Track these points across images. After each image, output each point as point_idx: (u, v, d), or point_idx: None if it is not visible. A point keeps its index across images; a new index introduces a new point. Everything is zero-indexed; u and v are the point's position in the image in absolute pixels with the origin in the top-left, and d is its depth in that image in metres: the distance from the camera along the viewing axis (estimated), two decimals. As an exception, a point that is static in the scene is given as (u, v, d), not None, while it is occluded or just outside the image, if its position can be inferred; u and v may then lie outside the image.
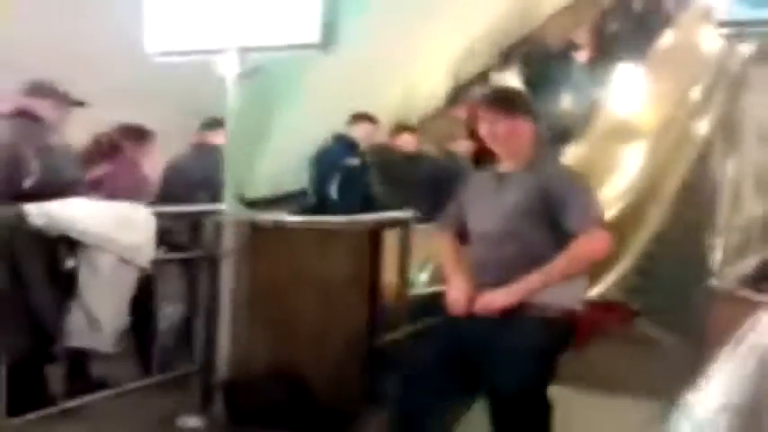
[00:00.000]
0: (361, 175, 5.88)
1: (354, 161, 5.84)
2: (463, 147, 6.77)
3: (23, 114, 3.65)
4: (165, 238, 3.89)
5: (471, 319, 2.77)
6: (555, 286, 2.69)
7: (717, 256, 2.99)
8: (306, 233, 4.08)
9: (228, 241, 3.92)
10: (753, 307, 1.73)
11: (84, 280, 3.42)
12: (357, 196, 5.65)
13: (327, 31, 3.59)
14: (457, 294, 2.85)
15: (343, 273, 3.99)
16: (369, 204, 5.45)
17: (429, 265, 5.28)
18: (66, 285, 3.39)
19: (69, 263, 3.39)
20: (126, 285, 3.63)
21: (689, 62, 7.10)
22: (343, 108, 6.65)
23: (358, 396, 4.04)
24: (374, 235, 4.23)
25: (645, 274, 7.10)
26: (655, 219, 7.37)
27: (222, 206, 3.99)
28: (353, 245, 4.09)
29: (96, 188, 4.06)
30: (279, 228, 4.09)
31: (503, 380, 2.66)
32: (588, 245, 2.69)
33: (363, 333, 4.11)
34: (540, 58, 8.71)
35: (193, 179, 4.80)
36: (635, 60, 7.84)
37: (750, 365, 1.16)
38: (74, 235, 3.37)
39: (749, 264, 3.14)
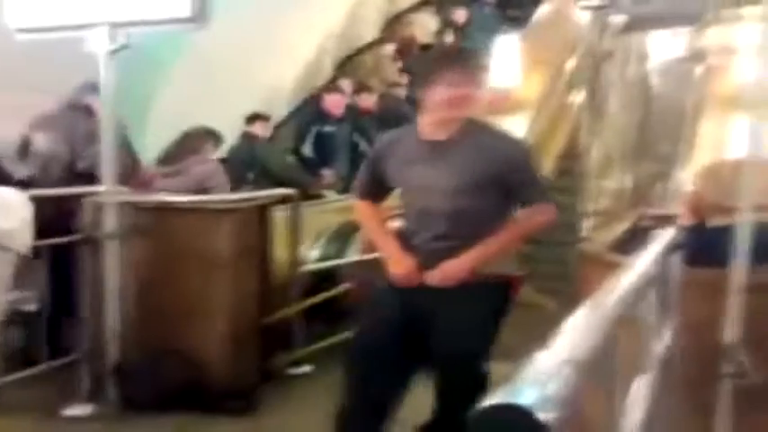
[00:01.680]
0: (341, 139, 6.74)
1: (328, 128, 6.69)
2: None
3: (78, 108, 4.33)
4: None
5: (417, 289, 2.69)
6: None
7: (589, 222, 3.12)
8: (192, 212, 4.00)
9: (110, 223, 3.80)
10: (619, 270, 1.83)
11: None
12: (339, 157, 6.66)
13: (199, 5, 3.52)
14: (404, 268, 2.73)
15: (232, 251, 3.94)
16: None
17: (321, 241, 5.28)
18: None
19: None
20: (3, 272, 3.48)
21: (564, 34, 7.33)
22: (225, 83, 6.58)
23: (252, 373, 4.02)
24: (262, 212, 4.20)
25: (532, 241, 7.36)
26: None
27: (101, 188, 3.86)
28: (241, 222, 4.05)
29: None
30: (163, 208, 4.00)
31: (454, 346, 2.64)
32: (538, 216, 2.73)
33: (255, 310, 4.09)
34: (454, 1, 9.39)
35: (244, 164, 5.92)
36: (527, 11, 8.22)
37: (592, 322, 1.24)
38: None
39: (619, 228, 3.31)
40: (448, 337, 2.64)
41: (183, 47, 6.39)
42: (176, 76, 6.72)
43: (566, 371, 0.97)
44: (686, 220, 2.85)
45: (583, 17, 6.66)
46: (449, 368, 2.69)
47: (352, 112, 6.97)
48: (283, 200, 4.39)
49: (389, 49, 8.89)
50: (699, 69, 3.98)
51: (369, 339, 2.81)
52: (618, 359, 1.38)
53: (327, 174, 6.54)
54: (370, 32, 9.31)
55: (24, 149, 4.32)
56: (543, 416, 0.83)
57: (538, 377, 0.93)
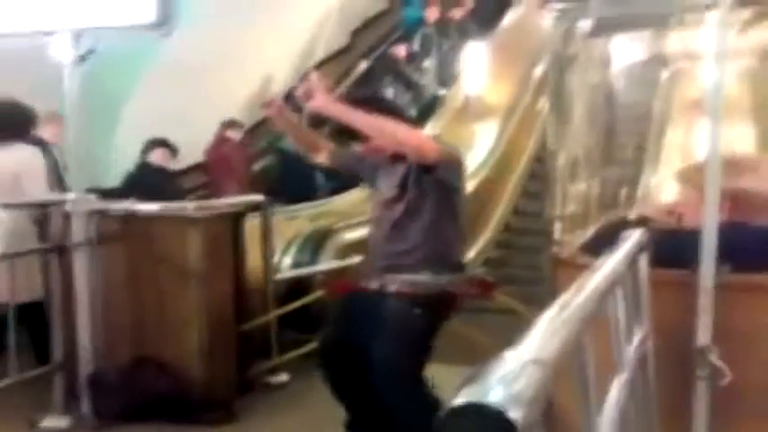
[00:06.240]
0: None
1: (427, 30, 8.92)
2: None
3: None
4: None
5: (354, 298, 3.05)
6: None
7: (559, 226, 3.15)
8: (163, 220, 3.96)
9: (78, 232, 3.75)
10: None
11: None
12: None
13: (164, 11, 3.50)
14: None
15: (205, 259, 3.91)
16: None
17: (292, 248, 5.26)
18: None
19: None
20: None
21: (531, 40, 7.40)
22: (192, 88, 6.54)
23: (229, 383, 3.99)
24: (235, 219, 4.18)
25: (503, 246, 7.40)
26: (509, 193, 7.69)
27: (69, 196, 3.81)
28: (214, 230, 4.02)
29: None
30: (133, 216, 3.95)
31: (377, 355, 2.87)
32: (421, 137, 3.06)
33: (230, 318, 4.06)
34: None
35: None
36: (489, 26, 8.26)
37: (557, 323, 1.25)
38: None
39: (587, 232, 3.33)
40: (374, 347, 2.89)
41: (155, 53, 6.37)
42: (148, 82, 6.69)
43: (531, 370, 0.97)
44: (692, 220, 2.76)
45: (549, 23, 6.76)
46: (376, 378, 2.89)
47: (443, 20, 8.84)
48: (254, 207, 4.38)
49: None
50: (664, 74, 4.01)
51: (324, 350, 3.16)
52: (590, 359, 1.39)
53: (427, 65, 8.51)
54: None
55: None
56: (512, 414, 0.84)
57: (504, 377, 0.93)
